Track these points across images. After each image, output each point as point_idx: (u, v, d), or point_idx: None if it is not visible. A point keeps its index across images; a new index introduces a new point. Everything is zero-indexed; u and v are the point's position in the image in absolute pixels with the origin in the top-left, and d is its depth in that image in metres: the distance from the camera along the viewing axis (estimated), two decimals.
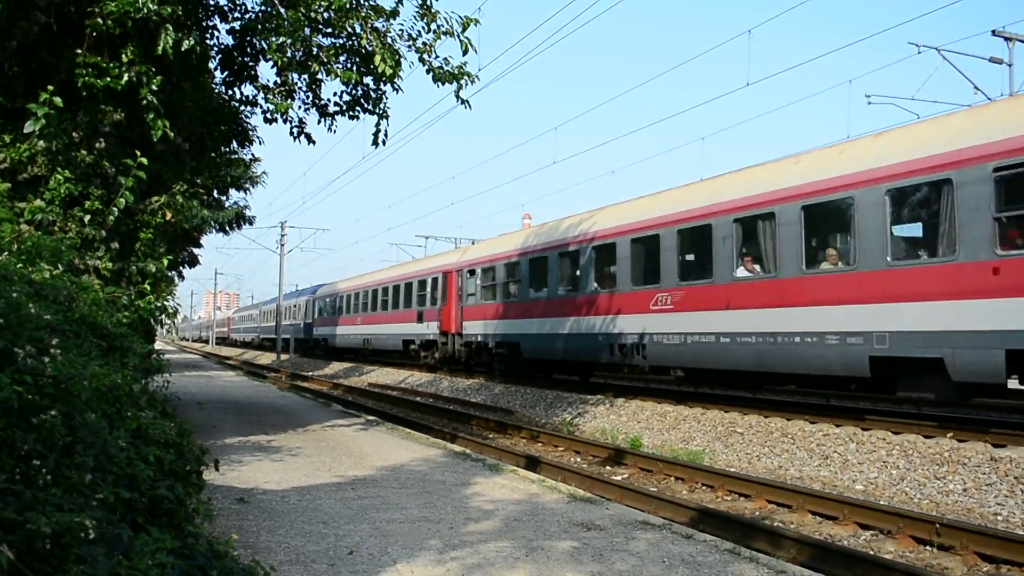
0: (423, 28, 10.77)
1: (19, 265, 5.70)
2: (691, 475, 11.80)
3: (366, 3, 10.66)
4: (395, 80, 10.88)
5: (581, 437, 15.87)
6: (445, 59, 10.91)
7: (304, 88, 11.88)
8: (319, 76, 11.31)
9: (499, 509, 7.64)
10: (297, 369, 43.42)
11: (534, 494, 8.48)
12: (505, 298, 24.55)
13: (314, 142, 12.72)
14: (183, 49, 9.34)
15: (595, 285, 19.62)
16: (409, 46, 10.82)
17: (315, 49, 10.80)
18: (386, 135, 11.69)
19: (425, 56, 10.83)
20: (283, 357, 52.39)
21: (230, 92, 12.79)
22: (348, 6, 10.31)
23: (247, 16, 11.74)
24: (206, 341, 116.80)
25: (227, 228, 33.02)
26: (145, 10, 8.66)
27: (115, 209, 8.66)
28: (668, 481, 11.94)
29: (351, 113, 12.09)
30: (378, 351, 38.21)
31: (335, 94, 12.07)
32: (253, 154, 24.51)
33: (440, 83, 10.91)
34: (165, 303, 9.80)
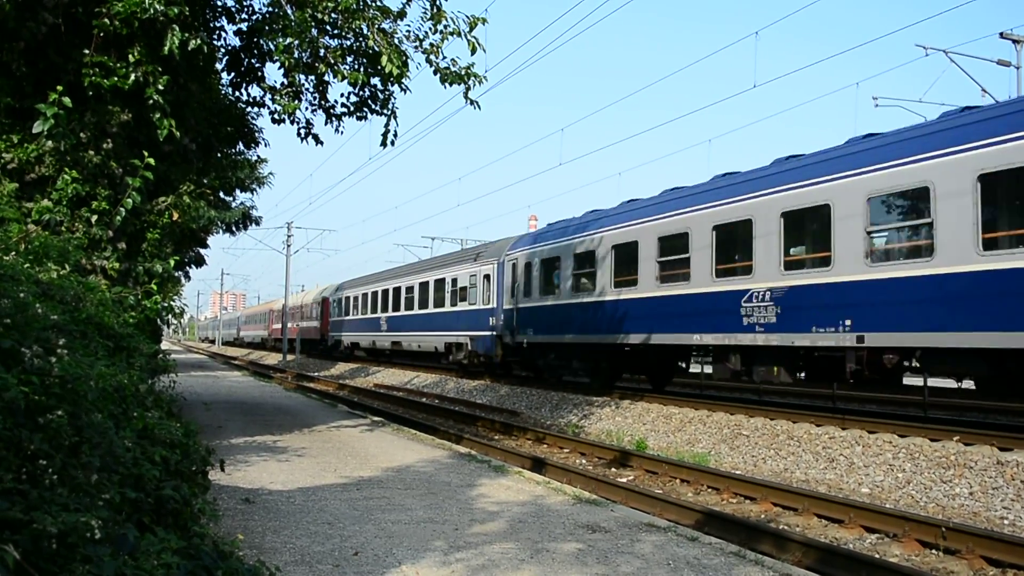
0: (430, 29, 10.78)
1: (26, 265, 5.72)
2: (696, 477, 11.78)
3: (373, 4, 10.67)
4: (402, 81, 10.89)
5: (586, 439, 15.86)
6: (452, 60, 10.92)
7: (311, 89, 11.90)
8: (326, 77, 11.31)
9: (504, 511, 7.64)
10: (303, 369, 43.47)
11: (539, 496, 8.48)
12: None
13: (321, 143, 12.73)
14: (190, 49, 9.36)
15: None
16: (416, 47, 10.83)
17: (322, 50, 10.81)
18: (395, 135, 11.68)
19: (432, 57, 10.83)
20: (289, 357, 52.44)
21: (237, 93, 12.82)
22: (355, 7, 10.32)
23: (254, 17, 11.76)
24: (253, 344, 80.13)
25: (234, 228, 33.12)
26: (152, 10, 8.68)
27: (122, 209, 8.68)
28: (673, 483, 11.92)
29: (358, 114, 12.11)
30: None
31: (342, 95, 12.09)
32: (259, 155, 24.55)
33: (448, 84, 10.91)
34: (172, 303, 9.82)
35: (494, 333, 25.44)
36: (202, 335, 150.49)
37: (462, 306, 28.34)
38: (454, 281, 29.38)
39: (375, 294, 39.51)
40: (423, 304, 32.64)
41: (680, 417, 16.13)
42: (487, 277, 26.46)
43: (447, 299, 29.87)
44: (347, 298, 45.32)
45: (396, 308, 35.98)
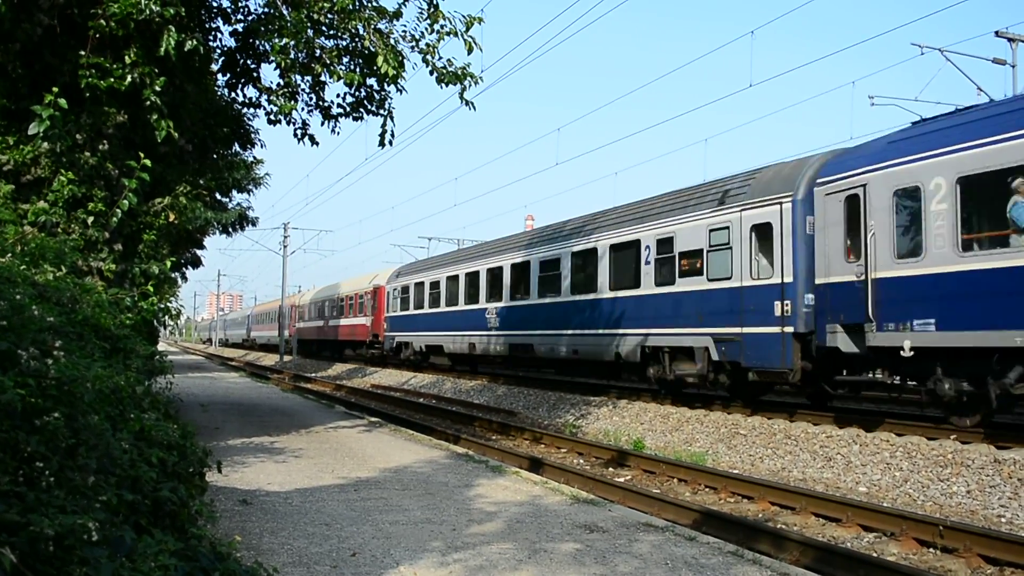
0: (426, 28, 10.77)
1: (23, 267, 5.71)
2: (694, 477, 11.78)
3: (369, 4, 10.67)
4: (398, 81, 10.89)
5: (584, 439, 15.86)
6: (448, 60, 10.92)
7: (307, 90, 11.88)
8: (322, 78, 11.30)
9: (502, 511, 7.64)
10: (300, 370, 43.43)
11: (537, 496, 8.48)
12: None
13: (317, 144, 12.71)
14: (186, 50, 9.35)
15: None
16: (412, 47, 10.83)
17: (318, 51, 10.80)
18: (392, 135, 11.67)
19: (428, 57, 10.83)
20: (286, 358, 52.41)
21: (233, 94, 12.80)
22: (351, 7, 10.32)
23: (250, 18, 11.74)
24: (268, 347, 67.32)
25: (230, 229, 33.06)
26: (148, 11, 8.67)
27: (118, 211, 8.67)
28: (671, 483, 11.93)
29: (355, 115, 12.09)
30: None
31: (338, 96, 12.08)
32: (255, 156, 24.53)
33: (444, 84, 10.91)
34: (168, 304, 9.81)
35: (786, 330, 14.17)
36: (204, 336, 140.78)
37: (688, 284, 16.63)
38: (665, 242, 17.40)
39: (473, 276, 27.43)
40: (583, 285, 20.65)
41: (677, 416, 16.13)
42: (759, 229, 15.00)
43: (648, 274, 17.89)
44: (417, 285, 32.89)
45: (520, 293, 23.93)
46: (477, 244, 30.23)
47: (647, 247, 17.99)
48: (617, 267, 19.20)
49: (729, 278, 15.47)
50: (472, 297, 27.39)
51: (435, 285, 30.98)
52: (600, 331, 19.54)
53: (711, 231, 16.08)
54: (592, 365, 20.95)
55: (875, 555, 7.87)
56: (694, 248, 16.51)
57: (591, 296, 20.11)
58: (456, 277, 28.96)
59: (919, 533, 8.31)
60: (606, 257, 19.58)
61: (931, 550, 8.10)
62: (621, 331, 18.69)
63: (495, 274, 25.79)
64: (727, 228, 15.67)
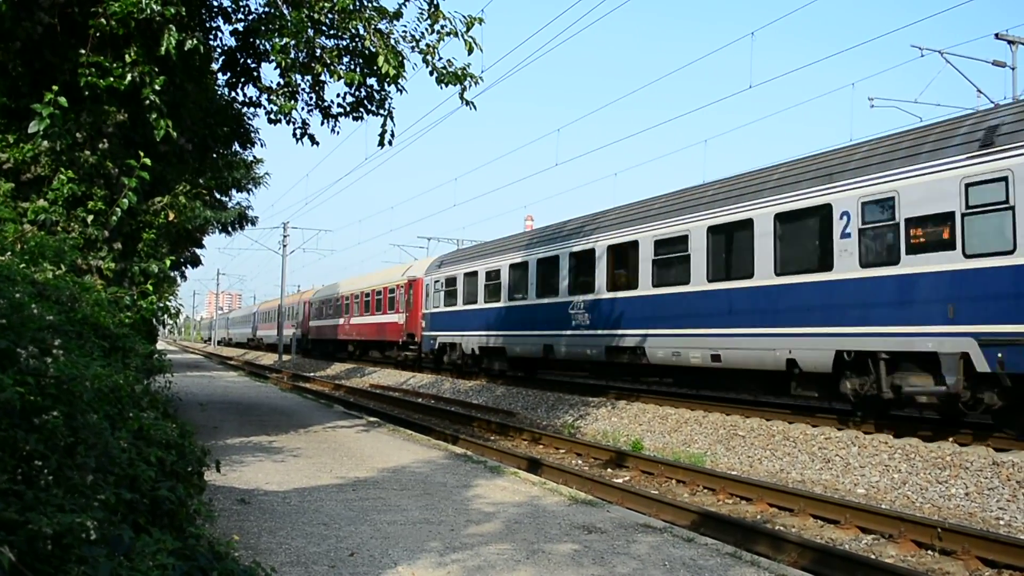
0: (427, 29, 10.78)
1: (22, 265, 5.72)
2: (692, 478, 11.79)
3: (369, 4, 10.68)
4: (398, 81, 10.89)
5: (583, 439, 15.86)
6: (449, 60, 10.93)
7: (307, 89, 11.89)
8: (322, 77, 11.30)
9: (500, 511, 7.64)
10: (299, 370, 43.41)
11: (535, 496, 8.48)
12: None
13: (317, 143, 12.72)
14: (186, 50, 9.35)
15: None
16: (413, 47, 10.84)
17: (318, 51, 10.81)
18: (392, 135, 11.68)
19: (428, 57, 10.84)
20: (285, 358, 52.41)
21: (233, 94, 12.81)
22: (351, 7, 10.33)
23: (250, 17, 11.75)
24: (275, 346, 55.74)
25: (229, 229, 33.08)
26: (148, 11, 8.68)
27: (118, 209, 8.68)
28: (669, 484, 11.93)
29: (355, 115, 12.10)
30: None
31: (338, 95, 12.09)
32: (255, 155, 24.50)
33: (444, 85, 10.92)
34: (167, 303, 9.81)
35: None
36: (207, 335, 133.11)
37: (924, 262, 11.76)
38: (877, 205, 12.59)
39: (550, 263, 22.09)
40: (726, 270, 15.82)
41: (676, 418, 16.14)
42: None
43: (846, 251, 13.01)
44: (468, 275, 27.35)
45: (621, 283, 19.02)
46: (557, 223, 23.82)
47: (843, 214, 13.12)
48: (787, 244, 14.42)
49: (1011, 251, 10.62)
50: (548, 288, 22.02)
51: (493, 275, 25.49)
52: (759, 329, 14.66)
53: (968, 186, 11.21)
54: (741, 376, 16.18)
55: (873, 557, 7.87)
56: (936, 212, 11.63)
57: (741, 284, 15.23)
58: (524, 265, 23.51)
59: (917, 535, 8.32)
60: (768, 231, 14.68)
61: (929, 552, 8.11)
62: (796, 329, 13.90)
63: (583, 259, 20.48)
64: (1004, 180, 10.80)
